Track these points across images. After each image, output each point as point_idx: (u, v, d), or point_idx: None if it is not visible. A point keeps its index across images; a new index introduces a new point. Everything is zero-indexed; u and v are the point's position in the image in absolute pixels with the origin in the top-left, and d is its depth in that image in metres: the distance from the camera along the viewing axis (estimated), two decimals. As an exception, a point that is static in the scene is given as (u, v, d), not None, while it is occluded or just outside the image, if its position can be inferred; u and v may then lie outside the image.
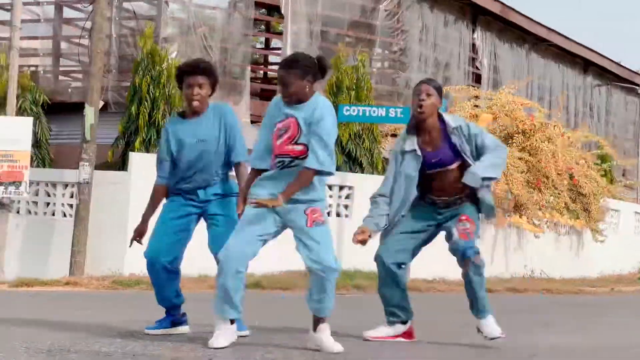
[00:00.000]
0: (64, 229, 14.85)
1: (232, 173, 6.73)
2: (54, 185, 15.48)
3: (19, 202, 15.24)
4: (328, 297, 6.22)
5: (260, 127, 6.36)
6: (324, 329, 6.29)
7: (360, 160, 17.30)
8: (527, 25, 25.24)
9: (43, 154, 16.86)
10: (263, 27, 25.63)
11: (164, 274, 6.56)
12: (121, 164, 15.89)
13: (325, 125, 6.11)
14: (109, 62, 17.94)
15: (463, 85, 21.01)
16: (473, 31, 23.87)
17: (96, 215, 14.62)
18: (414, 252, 6.97)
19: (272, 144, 6.19)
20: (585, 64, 29.67)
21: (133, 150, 15.39)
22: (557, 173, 19.31)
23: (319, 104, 6.21)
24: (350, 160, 17.40)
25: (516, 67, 25.81)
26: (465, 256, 6.77)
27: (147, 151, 15.32)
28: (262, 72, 24.08)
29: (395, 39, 20.90)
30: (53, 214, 15.47)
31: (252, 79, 22.65)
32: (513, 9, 24.35)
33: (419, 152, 6.80)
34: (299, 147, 6.12)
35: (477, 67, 24.20)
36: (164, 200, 6.76)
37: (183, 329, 6.80)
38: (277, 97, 6.34)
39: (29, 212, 15.54)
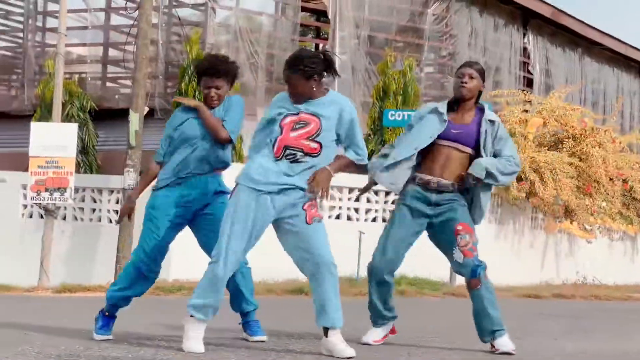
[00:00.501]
0: (109, 235, 14.89)
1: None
2: (99, 191, 15.55)
3: (65, 208, 15.32)
4: (336, 302, 6.14)
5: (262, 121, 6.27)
6: (335, 334, 6.19)
7: (408, 165, 17.15)
8: (579, 28, 24.88)
9: (90, 160, 16.97)
10: (312, 32, 25.61)
11: None
12: (167, 170, 15.91)
13: (357, 125, 6.25)
14: (156, 69, 18.03)
15: (513, 89, 20.73)
16: (524, 35, 23.60)
17: (141, 221, 14.60)
18: (404, 256, 6.84)
19: (281, 134, 6.08)
20: (640, 68, 29.23)
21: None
22: (608, 178, 18.98)
23: (344, 104, 6.21)
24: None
25: (569, 71, 25.48)
26: (474, 275, 6.59)
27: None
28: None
29: (444, 44, 20.71)
30: (99, 220, 15.55)
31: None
32: (564, 12, 24.02)
33: (445, 117, 6.67)
34: (315, 145, 6.07)
35: (528, 71, 23.92)
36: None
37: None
38: (280, 98, 6.28)
39: (75, 218, 15.63)
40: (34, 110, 17.64)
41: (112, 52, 19.22)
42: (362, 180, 15.35)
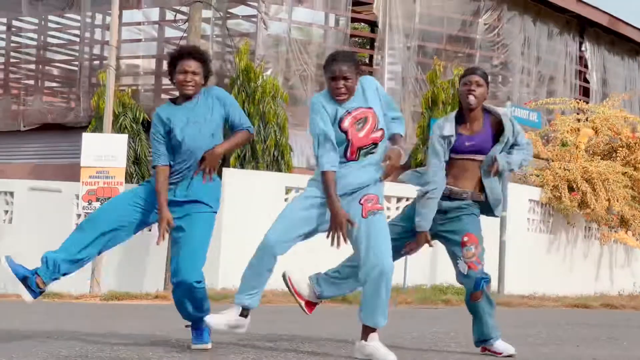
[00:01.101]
0: (159, 245, 15.04)
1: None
2: (151, 201, 15.73)
3: (116, 217, 15.52)
4: (383, 305, 6.11)
5: (322, 130, 6.15)
6: (375, 337, 6.18)
7: (457, 175, 17.11)
8: (637, 37, 24.61)
9: (142, 170, 17.19)
10: (367, 43, 25.67)
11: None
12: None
13: (389, 99, 6.39)
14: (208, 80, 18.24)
15: (564, 98, 20.57)
16: (580, 43, 23.40)
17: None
18: (399, 256, 6.73)
19: (351, 139, 6.11)
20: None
21: (228, 166, 15.57)
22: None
23: (371, 84, 6.29)
24: (447, 175, 17.23)
25: (628, 79, 25.20)
26: (477, 288, 6.59)
27: (242, 167, 15.47)
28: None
29: (495, 53, 20.62)
30: (150, 230, 15.72)
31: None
32: (622, 21, 23.78)
33: (454, 138, 6.70)
34: (379, 133, 6.15)
35: (585, 80, 23.70)
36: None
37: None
38: (320, 96, 6.25)
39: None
40: (89, 121, 17.94)
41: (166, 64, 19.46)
42: (405, 189, 15.41)
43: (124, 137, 14.98)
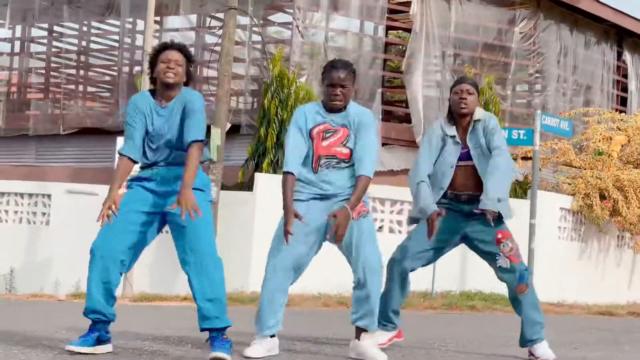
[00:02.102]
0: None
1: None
2: (181, 203, 15.93)
3: (151, 220, 15.74)
4: (373, 306, 6.31)
5: (292, 133, 6.48)
6: (368, 337, 6.34)
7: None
8: (677, 46, 24.49)
9: (176, 173, 17.41)
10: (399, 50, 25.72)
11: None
12: (250, 185, 16.29)
13: (372, 135, 6.43)
14: (246, 86, 18.48)
15: (597, 107, 20.53)
16: (619, 53, 23.32)
17: (222, 233, 14.94)
18: (431, 261, 7.03)
19: (313, 145, 6.37)
20: None
21: (261, 172, 15.75)
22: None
23: (364, 112, 6.49)
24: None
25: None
26: (522, 280, 6.72)
27: (275, 172, 15.64)
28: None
29: (531, 62, 20.65)
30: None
31: (390, 102, 22.83)
32: (660, 31, 23.69)
33: (458, 139, 6.83)
34: (346, 150, 6.35)
35: (623, 90, 23.62)
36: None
37: (106, 347, 6.22)
38: (309, 105, 6.56)
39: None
40: (127, 126, 18.20)
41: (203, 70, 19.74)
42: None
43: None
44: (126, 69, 20.65)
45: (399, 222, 15.79)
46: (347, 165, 6.37)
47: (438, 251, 6.96)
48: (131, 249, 6.19)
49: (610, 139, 18.11)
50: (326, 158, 6.37)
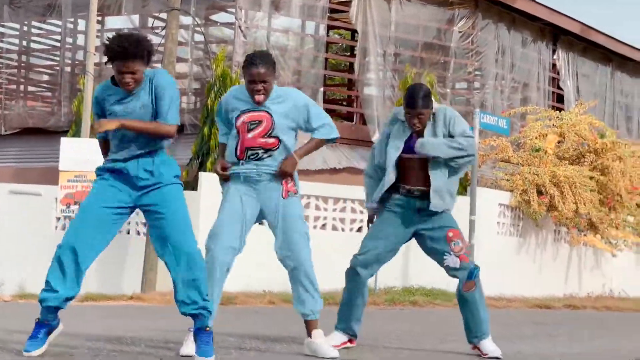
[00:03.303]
0: (137, 247, 15.39)
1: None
2: (127, 204, 16.03)
3: (94, 220, 15.80)
4: (312, 296, 6.52)
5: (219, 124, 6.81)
6: (319, 335, 6.54)
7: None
8: (609, 44, 25.04)
9: (121, 174, 17.47)
10: (345, 47, 26.01)
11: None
12: (195, 184, 16.42)
13: (315, 109, 6.72)
14: (189, 85, 18.59)
15: (534, 106, 20.97)
16: (554, 51, 23.81)
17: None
18: (385, 262, 7.14)
19: (239, 138, 6.55)
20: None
21: (205, 171, 15.88)
22: (628, 192, 19.17)
23: (290, 95, 6.70)
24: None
25: (600, 86, 25.61)
26: (471, 277, 6.89)
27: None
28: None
29: (470, 60, 21.02)
30: (128, 232, 16.03)
31: (333, 101, 23.07)
32: (594, 29, 24.21)
33: (408, 126, 6.92)
34: (272, 140, 6.53)
35: (558, 87, 24.10)
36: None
37: (58, 330, 6.20)
38: (232, 92, 6.73)
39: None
40: (70, 126, 18.24)
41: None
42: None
43: (102, 142, 15.26)
44: (68, 68, 20.62)
45: (342, 220, 15.98)
46: (274, 151, 6.55)
47: (393, 250, 7.10)
48: (95, 247, 6.06)
49: (546, 136, 18.52)
50: (252, 150, 6.53)
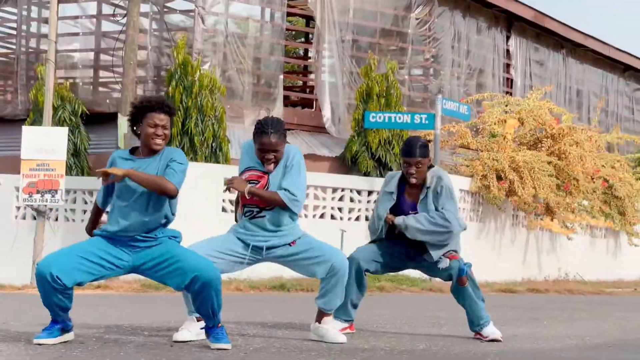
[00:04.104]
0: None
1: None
2: (90, 193, 16.01)
3: (56, 209, 15.76)
4: (337, 293, 6.69)
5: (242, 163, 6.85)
6: (328, 321, 6.72)
7: (391, 166, 17.60)
8: (562, 31, 25.34)
9: (82, 162, 17.40)
10: (302, 37, 26.08)
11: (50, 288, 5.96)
12: (156, 172, 16.39)
13: (297, 172, 6.67)
14: (147, 73, 18.50)
15: (493, 93, 21.22)
16: (508, 38, 24.05)
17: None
18: (382, 272, 7.47)
19: (239, 195, 6.71)
20: (625, 68, 29.68)
21: (168, 159, 15.83)
22: (588, 176, 19.47)
23: (289, 153, 6.71)
24: (380, 166, 17.73)
25: (553, 72, 25.91)
26: (462, 273, 7.11)
27: (180, 159, 15.72)
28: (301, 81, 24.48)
29: (427, 47, 21.17)
30: (82, 221, 15.97)
31: (290, 88, 23.10)
32: (547, 16, 24.48)
33: (394, 197, 7.26)
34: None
35: (512, 74, 24.35)
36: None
37: (70, 335, 6.30)
38: (251, 143, 6.76)
39: (67, 219, 16.07)
40: (27, 114, 18.09)
41: (103, 57, 19.67)
42: (345, 180, 15.91)
43: (64, 130, 15.20)
44: (24, 57, 20.42)
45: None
46: (268, 211, 6.65)
47: (385, 268, 7.42)
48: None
49: (505, 121, 18.74)
50: (248, 207, 6.66)
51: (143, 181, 5.96)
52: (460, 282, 7.14)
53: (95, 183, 16.08)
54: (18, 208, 16.21)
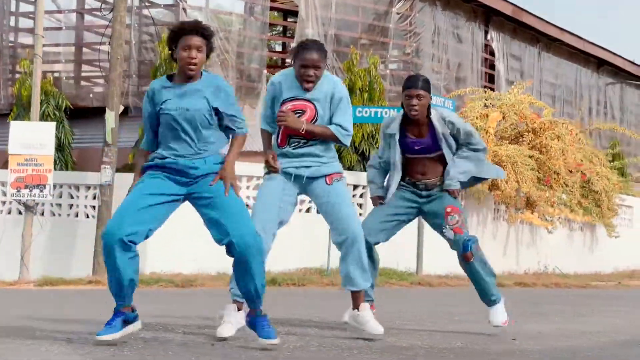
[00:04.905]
0: (86, 230, 15.35)
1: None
2: (76, 187, 15.98)
3: (42, 204, 15.73)
4: (361, 267, 6.59)
5: (267, 99, 6.74)
6: (366, 307, 6.64)
7: (374, 160, 17.66)
8: (539, 25, 25.58)
9: (66, 157, 17.38)
10: (280, 29, 26.10)
11: (119, 251, 5.70)
12: (142, 166, 16.37)
13: (346, 105, 6.67)
14: (129, 68, 18.47)
15: (474, 87, 21.38)
16: (486, 32, 24.24)
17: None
18: (392, 233, 7.27)
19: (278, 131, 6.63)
20: (599, 63, 29.98)
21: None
22: (568, 170, 19.69)
23: (335, 84, 6.68)
24: (364, 160, 17.82)
25: (529, 66, 26.14)
26: (466, 249, 7.06)
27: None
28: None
29: (408, 42, 21.28)
30: (76, 215, 15.97)
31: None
32: (525, 10, 24.70)
33: (396, 138, 7.11)
34: None
35: (491, 67, 24.54)
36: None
37: (136, 325, 6.03)
38: (280, 77, 6.70)
39: (52, 214, 16.03)
40: (11, 109, 18.03)
41: (85, 51, 19.62)
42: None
43: (51, 125, 15.20)
44: (7, 51, 20.29)
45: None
46: (315, 140, 6.63)
47: (398, 224, 7.27)
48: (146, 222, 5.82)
49: (487, 116, 18.88)
50: (295, 138, 6.60)
51: (237, 157, 6.00)
52: (465, 258, 7.06)
53: (81, 178, 16.09)
54: (4, 203, 16.15)
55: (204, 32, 5.89)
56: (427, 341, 6.64)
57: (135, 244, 5.71)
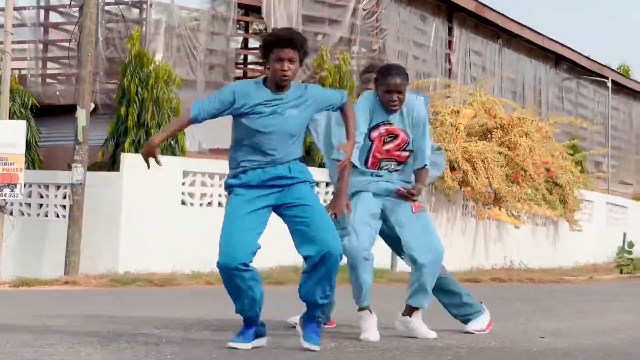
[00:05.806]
0: (57, 230, 15.14)
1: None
2: (46, 186, 15.76)
3: (12, 204, 15.48)
4: (428, 288, 6.75)
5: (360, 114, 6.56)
6: (419, 315, 6.75)
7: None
8: (500, 21, 25.71)
9: (33, 156, 17.13)
10: (242, 25, 25.92)
11: (239, 279, 5.78)
12: (110, 165, 16.20)
13: (427, 127, 6.79)
14: (96, 65, 18.23)
15: (438, 78, 21.46)
16: (449, 28, 24.31)
17: (89, 215, 14.91)
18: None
19: (373, 146, 6.69)
20: (556, 58, 30.20)
21: (123, 151, 15.68)
22: (535, 166, 19.82)
23: (416, 107, 6.74)
24: (335, 157, 17.77)
25: (490, 62, 26.26)
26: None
27: (137, 152, 15.61)
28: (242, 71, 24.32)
29: (374, 38, 21.26)
30: (46, 215, 15.74)
31: (235, 79, 22.91)
32: (487, 6, 24.80)
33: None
34: (406, 154, 6.74)
35: (452, 64, 24.62)
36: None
37: (263, 341, 6.06)
38: (372, 95, 6.71)
39: (22, 213, 15.79)
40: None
41: (51, 49, 19.35)
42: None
43: (22, 124, 14.98)
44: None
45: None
46: (404, 165, 6.77)
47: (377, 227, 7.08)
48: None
49: (458, 112, 18.93)
50: (386, 161, 6.72)
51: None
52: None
53: (51, 176, 15.85)
54: (-26, 202, 15.86)
55: (297, 43, 5.86)
56: (461, 341, 6.60)
57: (250, 262, 5.80)
